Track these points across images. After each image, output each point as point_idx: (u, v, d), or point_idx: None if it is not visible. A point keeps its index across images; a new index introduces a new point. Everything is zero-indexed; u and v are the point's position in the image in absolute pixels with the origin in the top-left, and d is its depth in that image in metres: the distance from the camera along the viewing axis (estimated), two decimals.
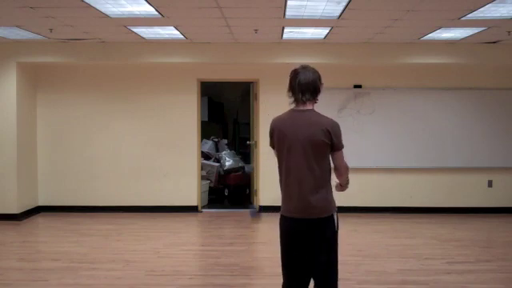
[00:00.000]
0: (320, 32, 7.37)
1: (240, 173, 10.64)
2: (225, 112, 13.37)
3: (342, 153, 3.50)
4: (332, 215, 3.45)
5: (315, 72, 3.50)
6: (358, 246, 6.86)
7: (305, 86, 3.42)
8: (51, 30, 7.09)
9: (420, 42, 8.16)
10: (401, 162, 9.05)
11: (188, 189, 9.19)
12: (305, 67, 3.48)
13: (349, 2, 5.58)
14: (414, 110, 9.00)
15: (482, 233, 7.97)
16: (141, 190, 9.15)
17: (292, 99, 3.47)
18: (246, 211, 9.22)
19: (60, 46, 8.34)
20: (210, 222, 8.63)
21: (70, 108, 9.11)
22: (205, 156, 10.76)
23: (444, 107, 8.99)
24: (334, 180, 3.54)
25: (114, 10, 5.97)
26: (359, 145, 8.90)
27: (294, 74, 3.46)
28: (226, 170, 10.53)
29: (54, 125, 9.11)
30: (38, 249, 7.12)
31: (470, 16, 6.19)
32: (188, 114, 9.14)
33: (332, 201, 3.49)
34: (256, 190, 9.26)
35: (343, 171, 3.54)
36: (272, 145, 3.56)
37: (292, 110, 3.49)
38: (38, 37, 7.71)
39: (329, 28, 7.07)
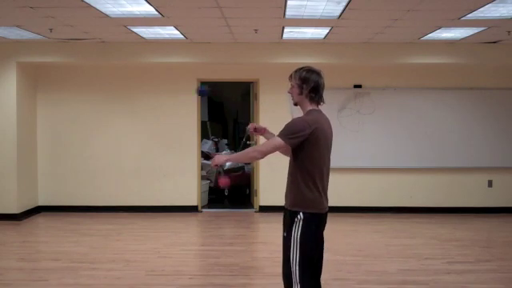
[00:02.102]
0: (320, 32, 7.37)
1: (240, 173, 10.65)
2: (225, 112, 13.37)
3: None
4: None
5: None
6: (358, 246, 6.86)
7: (323, 89, 3.62)
8: (51, 29, 7.09)
9: (420, 42, 8.16)
10: (401, 162, 9.05)
11: (188, 189, 9.19)
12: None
13: (349, 2, 5.58)
14: (413, 110, 9.00)
15: (482, 233, 7.97)
16: (141, 190, 9.15)
17: (308, 99, 3.55)
18: (246, 211, 9.29)
19: (60, 45, 8.34)
20: (209, 222, 8.63)
21: (70, 108, 9.11)
22: (205, 156, 10.76)
23: (444, 107, 8.99)
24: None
25: (114, 9, 5.97)
26: (359, 145, 8.90)
27: (317, 74, 3.60)
28: (226, 169, 10.53)
29: (54, 125, 9.11)
30: (38, 249, 7.11)
31: (470, 16, 6.19)
32: (188, 114, 9.14)
33: None
34: (256, 190, 9.26)
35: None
36: (297, 143, 3.40)
37: (318, 111, 3.57)
38: (38, 37, 7.71)
39: (329, 28, 7.07)
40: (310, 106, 3.55)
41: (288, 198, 3.56)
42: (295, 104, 3.62)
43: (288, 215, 3.54)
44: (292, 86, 3.59)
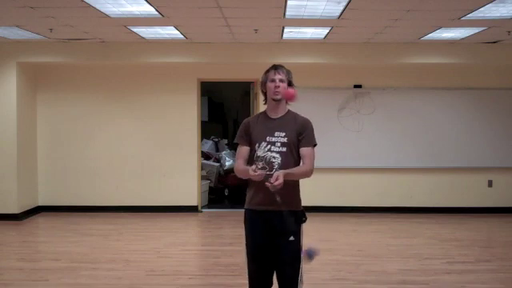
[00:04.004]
0: (320, 32, 7.37)
1: None
2: (225, 112, 13.38)
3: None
4: None
5: None
6: (358, 246, 6.86)
7: None
8: (51, 29, 7.09)
9: (420, 42, 8.16)
10: (401, 162, 9.04)
11: (188, 189, 9.19)
12: None
13: (349, 2, 5.58)
14: (414, 110, 8.99)
15: (482, 233, 7.97)
16: (141, 190, 9.15)
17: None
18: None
19: (60, 45, 8.34)
20: (209, 222, 8.63)
21: (70, 108, 9.10)
22: (205, 156, 10.76)
23: (444, 107, 8.99)
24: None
25: (114, 9, 5.98)
26: (359, 145, 8.90)
27: None
28: (226, 169, 10.52)
29: (54, 125, 9.10)
30: (38, 249, 7.12)
31: (470, 16, 6.20)
32: (188, 113, 9.14)
33: (246, 197, 3.71)
34: None
35: None
36: None
37: None
38: (38, 37, 7.72)
39: (329, 28, 7.07)
40: (286, 106, 3.57)
41: (287, 199, 3.38)
42: (278, 100, 3.48)
43: (293, 216, 3.42)
44: (282, 81, 3.50)
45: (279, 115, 3.51)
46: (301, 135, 3.46)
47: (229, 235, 7.87)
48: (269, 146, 3.42)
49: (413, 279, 5.44)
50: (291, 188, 3.42)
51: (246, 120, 3.64)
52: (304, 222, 3.50)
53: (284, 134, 3.44)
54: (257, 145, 3.46)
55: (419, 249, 6.76)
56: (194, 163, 9.22)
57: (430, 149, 8.99)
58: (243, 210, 3.74)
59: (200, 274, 5.90)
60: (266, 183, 3.21)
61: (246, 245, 3.63)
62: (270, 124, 3.49)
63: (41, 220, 8.68)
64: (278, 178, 3.19)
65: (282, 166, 3.37)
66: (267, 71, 3.59)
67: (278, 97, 3.48)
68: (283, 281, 3.48)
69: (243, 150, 3.53)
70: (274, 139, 3.44)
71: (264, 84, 3.58)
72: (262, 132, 3.46)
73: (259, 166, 3.34)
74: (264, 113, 3.60)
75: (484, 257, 6.43)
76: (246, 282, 5.54)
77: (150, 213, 8.99)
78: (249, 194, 3.59)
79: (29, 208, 8.78)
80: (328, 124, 8.67)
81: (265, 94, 3.59)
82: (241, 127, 3.59)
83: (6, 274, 5.68)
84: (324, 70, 8.83)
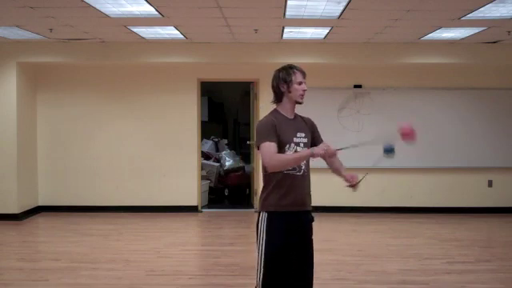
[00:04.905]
0: (320, 32, 7.37)
1: (240, 173, 10.65)
2: (225, 112, 13.38)
3: (260, 151, 3.34)
4: (259, 212, 3.45)
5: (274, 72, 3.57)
6: (358, 246, 6.86)
7: None
8: (51, 29, 7.09)
9: (420, 42, 8.16)
10: (401, 162, 9.01)
11: (188, 189, 9.19)
12: None
13: (349, 2, 5.58)
14: (414, 110, 8.98)
15: (482, 233, 7.97)
16: (141, 190, 9.15)
17: None
18: (246, 211, 9.27)
19: (60, 45, 8.35)
20: (209, 222, 8.63)
21: (70, 108, 9.10)
22: (205, 156, 10.76)
23: (444, 107, 8.99)
24: None
25: (114, 9, 5.98)
26: None
27: None
28: (226, 169, 10.53)
29: (54, 125, 9.11)
30: (38, 249, 7.12)
31: (470, 16, 6.20)
32: (188, 113, 9.14)
33: (264, 200, 3.40)
34: (256, 190, 9.26)
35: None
36: None
37: None
38: (38, 37, 7.72)
39: (329, 28, 7.07)
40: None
41: (308, 199, 3.48)
42: (300, 103, 3.46)
43: (310, 217, 3.49)
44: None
45: (292, 116, 3.49)
46: (313, 134, 3.54)
47: (229, 235, 7.87)
48: (295, 148, 3.37)
49: (413, 279, 5.44)
50: (309, 186, 3.49)
51: (269, 119, 3.40)
52: (312, 220, 3.54)
53: (304, 134, 3.44)
54: (287, 146, 3.34)
55: (419, 249, 6.76)
56: (194, 163, 9.22)
57: (430, 149, 8.98)
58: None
59: (200, 274, 5.90)
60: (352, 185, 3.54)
61: (266, 247, 3.33)
62: (291, 125, 3.42)
63: (41, 220, 8.68)
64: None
65: (306, 168, 3.42)
66: (292, 71, 3.43)
67: (302, 101, 3.45)
68: (305, 278, 3.43)
69: (274, 147, 3.27)
70: (297, 140, 3.40)
71: (287, 83, 3.42)
72: (288, 133, 3.38)
73: (290, 168, 3.32)
74: (278, 113, 3.46)
75: (484, 257, 6.43)
76: (246, 282, 5.56)
77: (149, 213, 8.99)
78: (275, 196, 3.34)
79: (29, 208, 8.78)
80: (328, 124, 8.65)
81: (281, 92, 3.46)
82: (267, 126, 3.33)
83: (6, 273, 5.68)
84: (324, 70, 8.83)
